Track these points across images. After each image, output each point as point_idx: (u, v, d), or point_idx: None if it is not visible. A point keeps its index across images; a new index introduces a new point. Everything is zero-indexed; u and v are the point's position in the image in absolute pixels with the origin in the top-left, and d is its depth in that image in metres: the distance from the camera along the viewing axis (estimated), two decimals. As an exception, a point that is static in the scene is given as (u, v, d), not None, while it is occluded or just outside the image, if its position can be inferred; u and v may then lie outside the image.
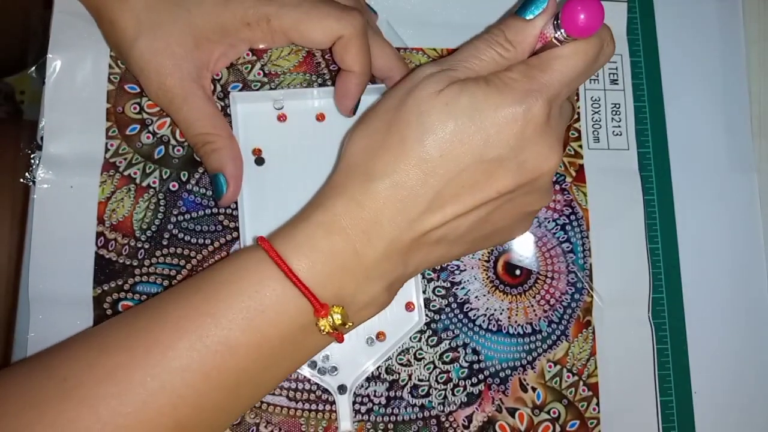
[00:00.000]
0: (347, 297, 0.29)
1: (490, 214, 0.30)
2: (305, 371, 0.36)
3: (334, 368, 0.37)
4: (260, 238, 0.29)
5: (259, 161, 0.38)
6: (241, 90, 0.38)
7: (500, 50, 0.29)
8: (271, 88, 0.38)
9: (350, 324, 0.29)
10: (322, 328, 0.28)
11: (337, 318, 0.28)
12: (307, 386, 0.37)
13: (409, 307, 0.38)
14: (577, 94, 0.42)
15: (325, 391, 0.37)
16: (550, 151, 0.29)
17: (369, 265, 0.29)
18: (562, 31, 0.27)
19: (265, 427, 0.36)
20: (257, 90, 0.38)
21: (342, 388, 0.36)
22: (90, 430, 0.26)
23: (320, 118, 0.39)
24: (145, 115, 0.38)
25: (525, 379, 0.38)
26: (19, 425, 0.26)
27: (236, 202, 0.37)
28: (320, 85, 0.39)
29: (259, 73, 0.38)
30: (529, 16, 0.29)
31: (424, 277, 0.38)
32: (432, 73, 0.29)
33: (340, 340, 0.30)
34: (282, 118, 0.38)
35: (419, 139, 0.28)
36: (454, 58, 0.30)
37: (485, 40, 0.30)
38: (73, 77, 0.37)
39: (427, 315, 0.38)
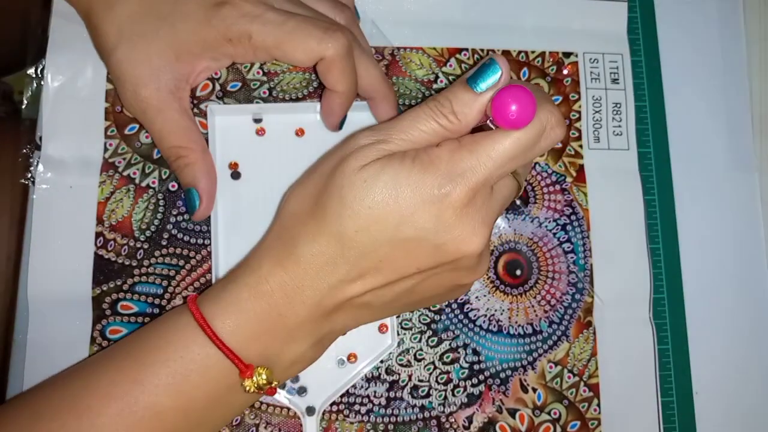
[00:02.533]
0: (272, 357, 0.30)
1: (416, 286, 0.30)
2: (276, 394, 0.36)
3: (303, 389, 0.36)
4: (190, 299, 0.30)
5: (236, 175, 0.38)
6: (240, 89, 0.38)
7: (444, 122, 0.28)
8: (270, 87, 0.38)
9: (277, 382, 0.30)
10: (248, 388, 0.29)
11: (262, 378, 0.29)
12: (307, 387, 0.37)
13: (382, 329, 0.37)
14: (579, 95, 0.42)
15: (325, 391, 0.36)
16: (472, 235, 0.28)
17: (292, 326, 0.29)
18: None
19: (265, 427, 0.36)
20: (255, 89, 0.38)
21: (310, 410, 0.36)
22: None
23: (300, 133, 0.38)
24: (145, 115, 0.37)
25: (525, 380, 0.38)
26: None
27: (210, 217, 0.37)
28: (319, 85, 0.39)
29: (258, 72, 0.38)
30: (480, 89, 0.27)
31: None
32: (363, 146, 0.28)
33: (271, 393, 0.30)
34: (261, 132, 0.38)
35: (338, 213, 0.27)
36: (393, 126, 0.29)
37: (430, 109, 0.28)
38: (72, 77, 0.37)
39: (426, 316, 0.38)
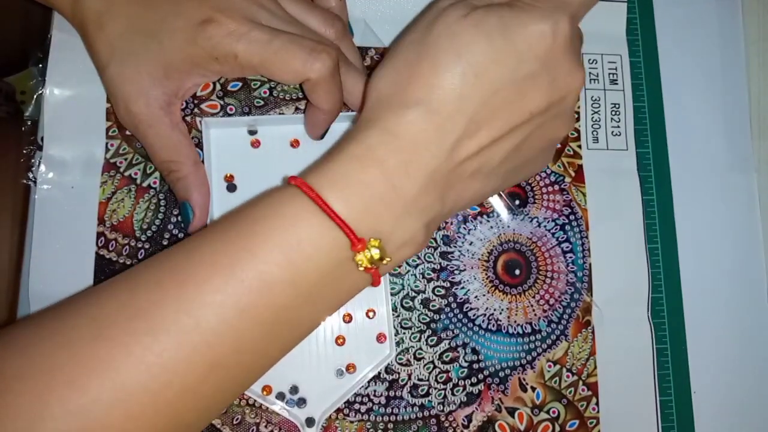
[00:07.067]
0: (385, 232, 0.28)
1: (522, 142, 0.30)
2: (274, 405, 0.36)
3: (303, 400, 0.36)
4: (291, 177, 0.28)
5: (231, 188, 0.38)
6: (240, 88, 0.38)
7: None
8: (271, 87, 0.38)
9: (388, 260, 0.28)
10: (360, 262, 0.28)
11: (375, 252, 0.27)
12: (307, 386, 0.37)
13: (380, 338, 0.38)
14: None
15: (325, 390, 0.37)
16: (577, 68, 0.29)
17: (407, 199, 0.28)
18: None
19: (265, 426, 0.36)
20: (256, 88, 0.38)
21: (310, 421, 0.36)
22: (123, 368, 0.25)
23: (295, 144, 0.39)
24: (146, 116, 0.38)
25: (524, 379, 0.39)
26: (51, 365, 0.25)
27: None
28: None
29: (259, 74, 0.38)
30: None
31: (424, 277, 0.38)
32: (454, 2, 0.29)
33: (377, 281, 0.29)
34: (255, 144, 0.38)
35: (453, 62, 0.27)
36: None
37: None
38: (74, 77, 0.38)
39: (426, 316, 0.38)
